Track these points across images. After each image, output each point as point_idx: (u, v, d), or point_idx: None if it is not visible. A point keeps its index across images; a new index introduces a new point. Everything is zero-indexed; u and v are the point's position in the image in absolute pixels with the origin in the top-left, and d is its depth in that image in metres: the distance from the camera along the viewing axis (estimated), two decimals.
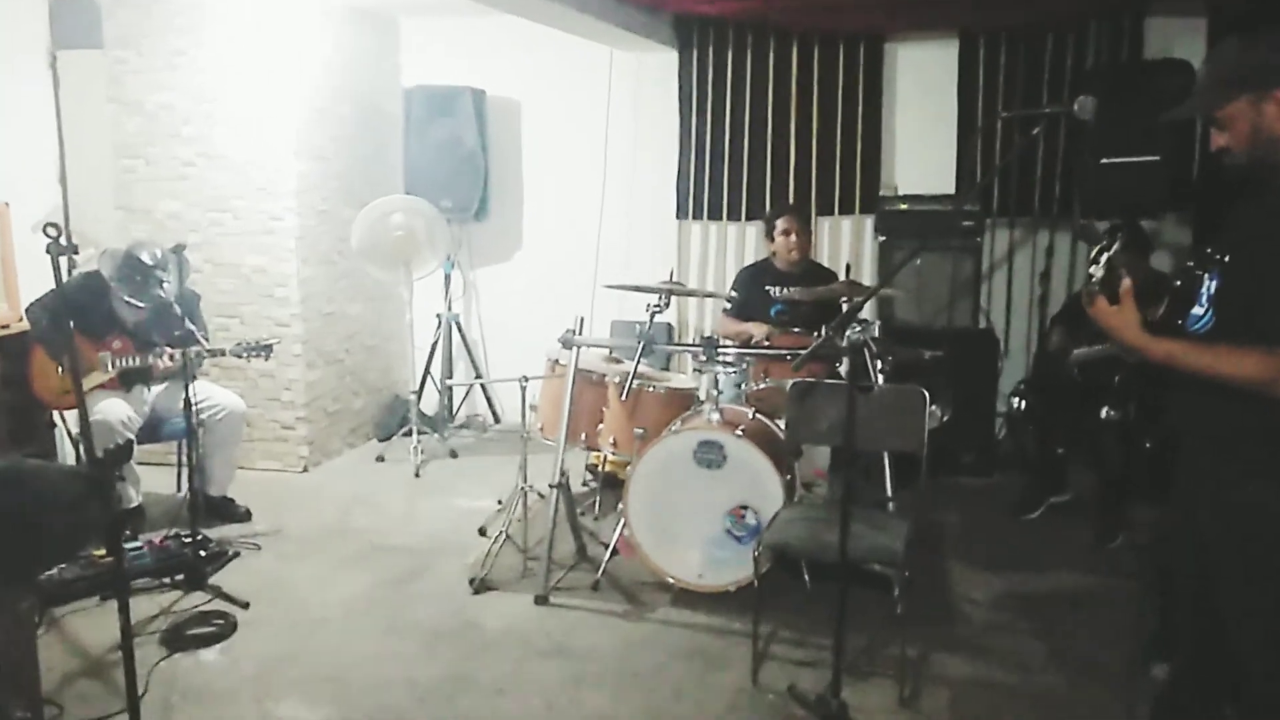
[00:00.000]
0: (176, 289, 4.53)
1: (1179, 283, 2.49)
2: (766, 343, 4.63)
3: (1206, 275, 2.36)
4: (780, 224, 5.01)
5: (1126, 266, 2.34)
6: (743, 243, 6.26)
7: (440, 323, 6.56)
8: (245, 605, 3.98)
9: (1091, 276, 2.36)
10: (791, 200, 6.01)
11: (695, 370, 4.51)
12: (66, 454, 5.28)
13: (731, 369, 4.40)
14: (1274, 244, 2.15)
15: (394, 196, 5.98)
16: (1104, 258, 2.34)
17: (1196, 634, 2.69)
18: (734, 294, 5.21)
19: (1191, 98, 2.35)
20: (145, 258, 4.49)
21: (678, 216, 6.34)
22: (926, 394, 3.66)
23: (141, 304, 4.48)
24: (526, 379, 4.37)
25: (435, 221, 5.91)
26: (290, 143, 5.58)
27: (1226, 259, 2.29)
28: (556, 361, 4.59)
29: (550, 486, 4.23)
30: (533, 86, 6.61)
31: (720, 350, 4.27)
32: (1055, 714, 3.24)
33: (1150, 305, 2.38)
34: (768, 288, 5.04)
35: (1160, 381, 2.41)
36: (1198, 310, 2.35)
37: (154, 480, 5.13)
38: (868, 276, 6.00)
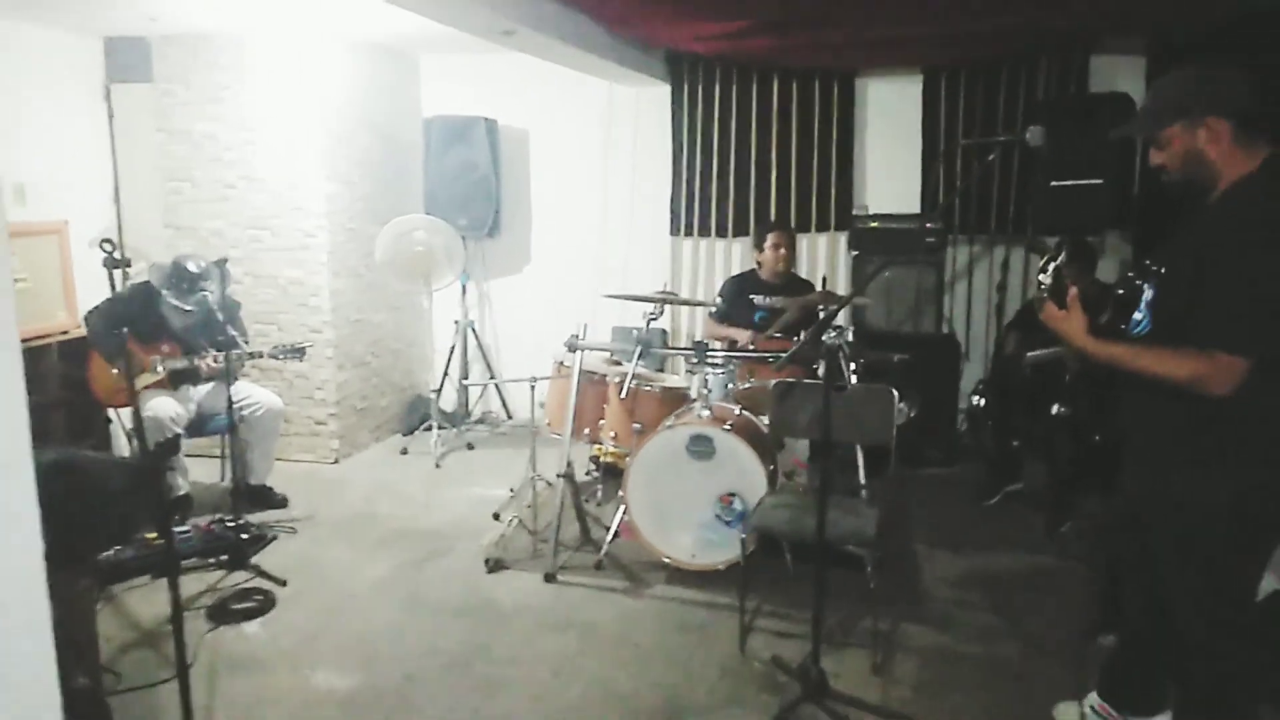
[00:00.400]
0: (219, 297, 4.52)
1: (1121, 291, 2.51)
2: (751, 347, 4.64)
3: (1146, 285, 2.38)
4: (771, 238, 5.01)
5: (1074, 277, 2.37)
6: (730, 257, 6.25)
7: (458, 329, 6.56)
8: (283, 583, 3.97)
9: (1041, 285, 2.38)
10: (774, 218, 6.01)
11: (687, 371, 4.52)
12: (121, 447, 5.27)
13: (720, 370, 4.40)
14: (1205, 258, 2.16)
15: (415, 216, 5.96)
16: (1051, 267, 2.36)
17: (1138, 610, 2.70)
18: (719, 300, 5.22)
19: (1135, 120, 2.39)
20: (191, 266, 4.50)
21: (671, 233, 6.34)
22: (895, 393, 3.66)
23: (187, 307, 4.46)
24: (535, 379, 4.37)
25: (452, 239, 5.90)
26: (320, 168, 5.57)
27: (1162, 270, 2.30)
28: (562, 363, 4.59)
29: (557, 476, 4.23)
30: (540, 117, 6.60)
31: (710, 353, 4.27)
32: (1012, 680, 3.24)
33: (1095, 313, 2.40)
34: (752, 296, 5.05)
35: (1107, 382, 2.42)
36: (1138, 315, 2.38)
37: (200, 471, 5.12)
38: (842, 287, 6.00)
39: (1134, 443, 2.47)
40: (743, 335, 4.83)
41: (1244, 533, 2.25)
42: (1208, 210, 2.27)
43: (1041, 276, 2.40)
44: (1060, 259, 2.37)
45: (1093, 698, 2.87)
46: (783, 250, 5.00)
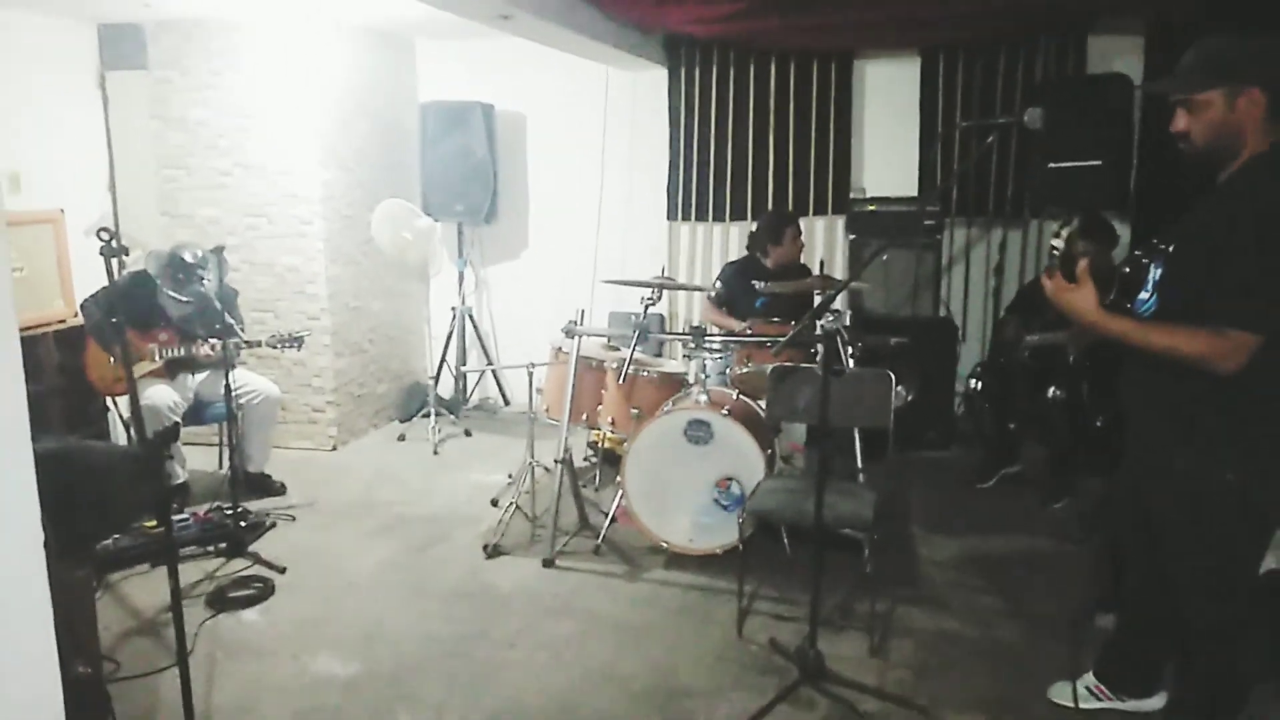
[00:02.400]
0: (216, 286, 4.52)
1: (1127, 270, 2.48)
2: (749, 331, 4.65)
3: (1153, 264, 2.35)
4: (790, 231, 5.04)
5: (1091, 254, 2.30)
6: (727, 241, 6.25)
7: (455, 315, 6.56)
8: (282, 570, 3.99)
9: (1054, 250, 2.31)
10: (770, 203, 6.01)
11: (685, 356, 4.52)
12: (119, 436, 5.28)
13: (718, 355, 4.40)
14: (1219, 237, 2.13)
15: (394, 204, 5.86)
16: (1065, 232, 2.31)
17: (1137, 591, 2.71)
18: (718, 284, 5.23)
19: (1173, 78, 2.28)
20: (187, 257, 4.49)
21: (669, 218, 6.33)
22: (892, 376, 3.67)
23: (184, 298, 4.47)
24: (533, 365, 4.38)
25: (432, 236, 5.83)
26: (316, 154, 5.56)
27: (1171, 249, 2.28)
28: (560, 349, 4.60)
29: (555, 462, 4.24)
30: (537, 102, 6.59)
31: (707, 338, 4.27)
32: (1010, 662, 3.26)
33: (1103, 291, 2.36)
34: (753, 282, 5.05)
35: (1110, 365, 2.40)
36: (1144, 295, 2.35)
37: (198, 459, 5.14)
38: (839, 271, 5.99)
39: (1138, 422, 2.46)
40: (735, 326, 4.84)
41: (1249, 513, 2.25)
42: (1220, 189, 2.24)
43: (1054, 241, 2.34)
44: (1074, 225, 2.32)
45: (1088, 678, 2.89)
46: (801, 240, 5.08)
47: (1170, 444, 2.32)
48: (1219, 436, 2.22)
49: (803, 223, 5.99)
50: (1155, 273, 2.32)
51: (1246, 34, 2.18)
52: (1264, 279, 2.07)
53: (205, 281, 4.46)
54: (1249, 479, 2.19)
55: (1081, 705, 2.87)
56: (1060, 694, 2.94)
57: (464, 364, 6.69)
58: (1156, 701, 2.81)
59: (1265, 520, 2.31)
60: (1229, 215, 2.14)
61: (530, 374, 4.35)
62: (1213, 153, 2.23)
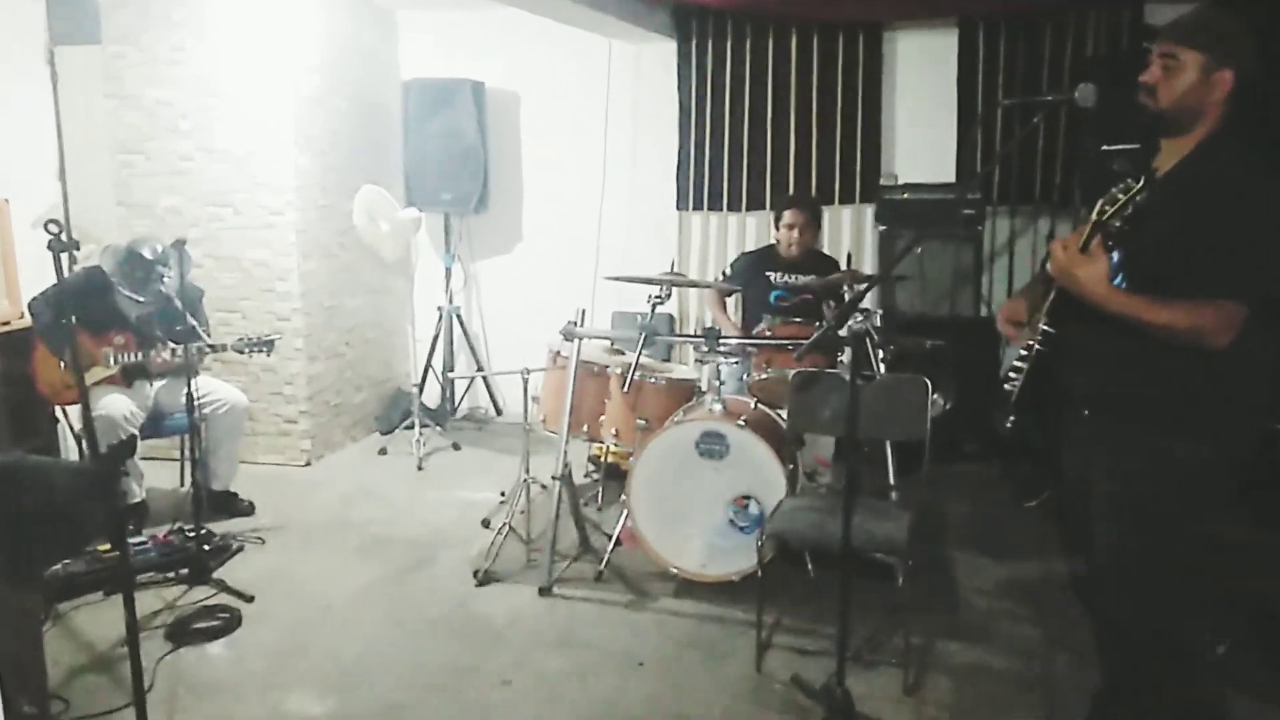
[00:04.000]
0: (178, 284, 4.53)
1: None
2: (768, 333, 4.64)
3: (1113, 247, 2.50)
4: (786, 217, 5.01)
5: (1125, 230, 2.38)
6: (743, 233, 6.25)
7: (441, 315, 6.57)
8: (250, 599, 3.99)
9: (1105, 211, 2.37)
10: (791, 190, 6.00)
11: (697, 361, 4.52)
12: (69, 450, 5.29)
13: (733, 359, 4.40)
14: (1195, 218, 2.30)
15: (377, 198, 5.87)
16: (1123, 196, 2.36)
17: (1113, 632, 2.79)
18: (726, 274, 5.24)
19: (1172, 24, 2.46)
20: (146, 253, 4.50)
21: (678, 207, 6.34)
22: (929, 383, 3.66)
23: (143, 299, 4.48)
24: (528, 371, 4.38)
25: (415, 228, 5.85)
26: (289, 137, 5.57)
27: (1127, 229, 2.40)
28: (558, 353, 4.60)
29: (553, 478, 4.23)
30: (532, 79, 6.60)
31: (722, 340, 4.27)
32: (1057, 700, 3.25)
33: None
34: (768, 273, 5.05)
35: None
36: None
37: (157, 475, 5.14)
38: (869, 265, 6.00)
39: (1110, 411, 2.55)
40: (729, 328, 4.85)
41: (1219, 485, 2.43)
42: (1180, 172, 2.41)
43: (1106, 206, 2.39)
44: (1139, 186, 2.37)
45: None
46: (795, 231, 4.99)
47: (1145, 425, 2.44)
48: (1199, 413, 2.39)
49: (827, 212, 6.03)
50: (1115, 256, 2.46)
51: (1243, 19, 2.39)
52: (1254, 253, 2.27)
53: (166, 280, 4.47)
54: (1216, 453, 2.38)
55: None
56: None
57: (451, 370, 6.70)
58: None
59: (1226, 497, 2.50)
60: (1204, 195, 2.32)
61: (525, 381, 4.35)
62: (1170, 118, 2.42)
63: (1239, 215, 2.27)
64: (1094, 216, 2.38)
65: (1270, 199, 2.29)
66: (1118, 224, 2.36)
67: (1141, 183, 2.34)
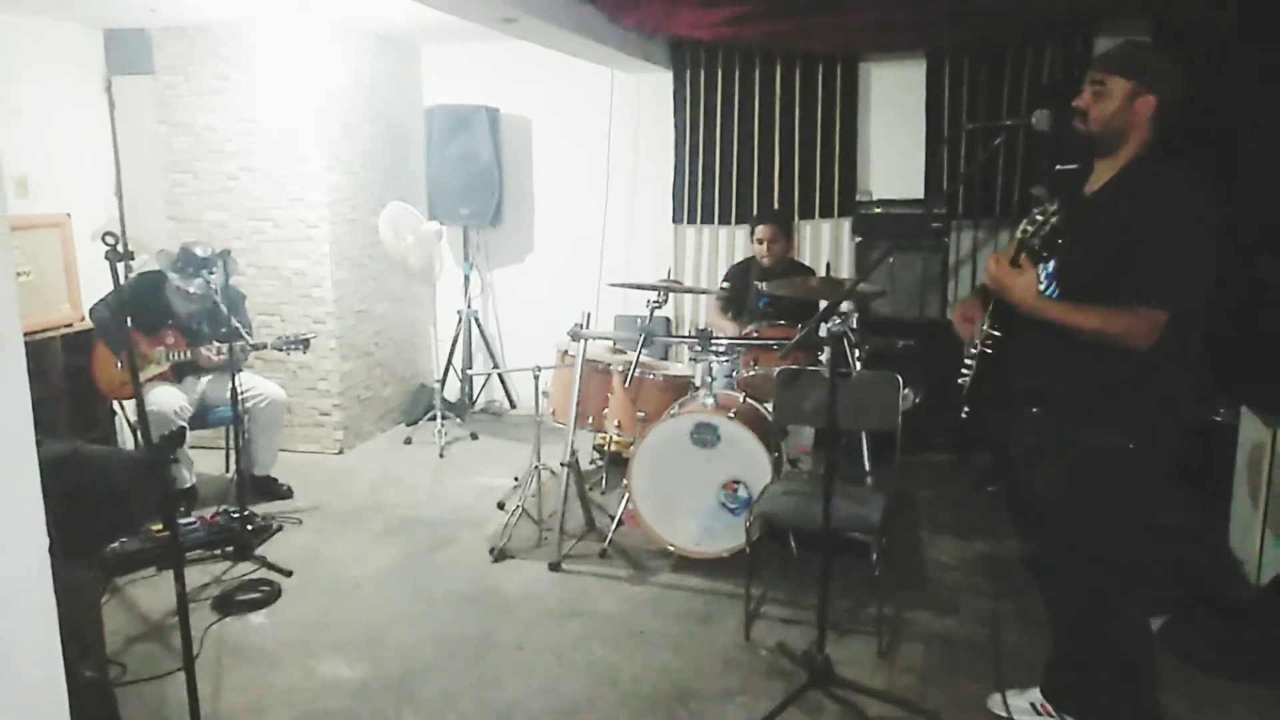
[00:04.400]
0: (223, 284, 4.52)
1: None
2: (755, 334, 4.64)
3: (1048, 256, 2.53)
4: (758, 232, 4.99)
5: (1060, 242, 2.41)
6: (733, 244, 6.24)
7: (460, 318, 6.57)
8: (289, 574, 3.99)
9: (1025, 230, 2.41)
10: (776, 205, 5.99)
11: (691, 359, 4.51)
12: (126, 440, 5.29)
13: (724, 358, 4.40)
14: (1122, 229, 2.32)
15: (402, 213, 5.88)
16: (1044, 216, 2.39)
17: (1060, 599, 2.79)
18: (725, 285, 5.23)
19: (1101, 57, 2.51)
20: (199, 251, 4.52)
21: (674, 221, 6.33)
22: (900, 379, 3.66)
23: (192, 289, 4.45)
24: (539, 368, 4.38)
25: (437, 240, 5.84)
26: (322, 158, 5.56)
27: (1062, 242, 2.43)
28: (566, 352, 4.59)
29: (561, 465, 4.23)
30: (542, 105, 6.59)
31: (713, 341, 4.27)
32: (1018, 668, 3.24)
33: None
34: (755, 282, 5.04)
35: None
36: (1040, 285, 2.48)
37: (205, 462, 5.14)
38: (845, 273, 5.99)
39: (1047, 399, 2.57)
40: (731, 331, 4.83)
41: (1143, 476, 2.44)
42: (1111, 187, 2.43)
43: (1027, 226, 2.42)
44: (1056, 207, 2.39)
45: (1034, 693, 2.86)
46: (765, 244, 4.95)
47: (1080, 421, 2.45)
48: (1127, 409, 2.40)
49: (808, 225, 6.03)
50: (1049, 265, 2.50)
51: (1160, 49, 2.50)
52: (1172, 263, 2.29)
53: (213, 275, 4.46)
54: (1145, 445, 2.39)
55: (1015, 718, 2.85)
56: (996, 704, 2.92)
57: (470, 367, 6.70)
58: None
59: (1156, 483, 2.52)
60: (1131, 209, 2.33)
61: (536, 377, 4.35)
62: (1100, 138, 2.45)
63: (1160, 229, 2.28)
64: (1018, 235, 2.42)
65: (1189, 215, 2.30)
66: (1036, 243, 2.39)
67: (1056, 206, 2.37)
